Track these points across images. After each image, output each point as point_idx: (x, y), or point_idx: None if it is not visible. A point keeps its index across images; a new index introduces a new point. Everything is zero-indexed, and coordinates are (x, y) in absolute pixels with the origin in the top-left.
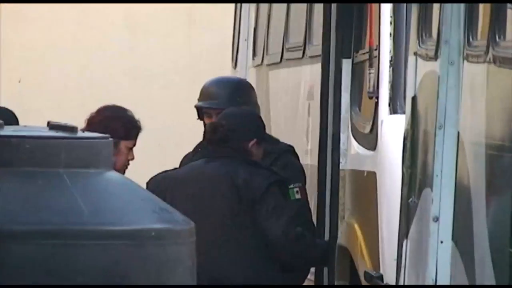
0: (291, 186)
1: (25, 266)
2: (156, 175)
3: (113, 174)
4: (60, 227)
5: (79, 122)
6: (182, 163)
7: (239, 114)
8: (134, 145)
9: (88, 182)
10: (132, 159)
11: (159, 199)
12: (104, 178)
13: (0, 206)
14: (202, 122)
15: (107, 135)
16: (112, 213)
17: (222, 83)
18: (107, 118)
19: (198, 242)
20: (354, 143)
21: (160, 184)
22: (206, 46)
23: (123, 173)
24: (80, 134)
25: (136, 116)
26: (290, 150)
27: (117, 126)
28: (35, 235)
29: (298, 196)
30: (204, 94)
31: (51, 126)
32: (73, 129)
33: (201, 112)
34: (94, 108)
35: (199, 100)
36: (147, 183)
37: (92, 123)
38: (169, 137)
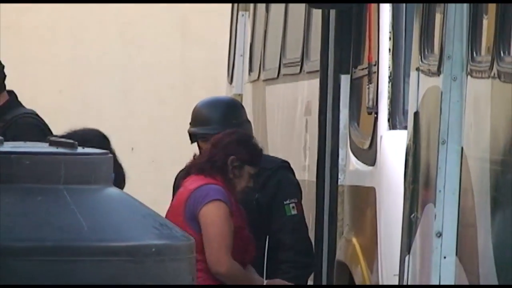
0: (287, 201)
1: (24, 282)
2: None
3: (113, 190)
4: (60, 244)
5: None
6: (176, 180)
7: None
8: (255, 172)
9: (88, 198)
10: (251, 186)
11: (160, 215)
12: (104, 194)
13: None
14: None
15: (106, 151)
16: (112, 229)
17: (213, 105)
18: (234, 141)
19: None
20: (353, 158)
21: None
22: (200, 62)
23: (241, 196)
24: (79, 150)
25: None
26: (285, 166)
27: (244, 151)
28: (35, 252)
29: (294, 211)
30: (197, 118)
31: (51, 142)
32: (73, 145)
33: (194, 137)
34: (89, 124)
35: (192, 125)
36: None
37: (219, 145)
38: (162, 153)
